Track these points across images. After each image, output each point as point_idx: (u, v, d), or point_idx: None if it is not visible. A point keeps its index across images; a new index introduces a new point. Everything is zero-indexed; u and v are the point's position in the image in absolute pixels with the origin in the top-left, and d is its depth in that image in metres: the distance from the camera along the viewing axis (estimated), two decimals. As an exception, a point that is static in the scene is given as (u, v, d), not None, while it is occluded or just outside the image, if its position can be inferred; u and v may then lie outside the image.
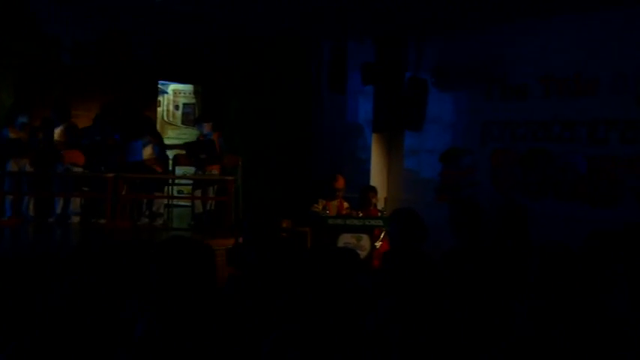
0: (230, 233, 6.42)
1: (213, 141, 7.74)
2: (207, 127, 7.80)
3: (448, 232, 4.02)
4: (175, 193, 8.26)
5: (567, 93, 5.91)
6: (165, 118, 10.03)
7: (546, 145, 6.09)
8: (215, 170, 7.70)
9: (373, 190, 6.85)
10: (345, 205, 6.75)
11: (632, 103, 5.44)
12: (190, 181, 8.14)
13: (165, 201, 7.79)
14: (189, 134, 9.53)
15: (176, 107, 10.32)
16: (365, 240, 6.02)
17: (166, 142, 8.72)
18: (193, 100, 10.24)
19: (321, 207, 6.65)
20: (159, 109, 9.79)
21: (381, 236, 6.59)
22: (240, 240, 3.77)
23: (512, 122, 6.40)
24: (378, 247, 6.49)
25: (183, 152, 8.03)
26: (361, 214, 6.57)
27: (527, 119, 6.23)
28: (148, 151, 7.58)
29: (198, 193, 7.77)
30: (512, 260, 3.46)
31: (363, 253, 5.84)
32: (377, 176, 7.79)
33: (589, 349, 2.40)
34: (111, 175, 7.10)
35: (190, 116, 10.08)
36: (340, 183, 6.72)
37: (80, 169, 7.37)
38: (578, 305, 2.48)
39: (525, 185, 6.26)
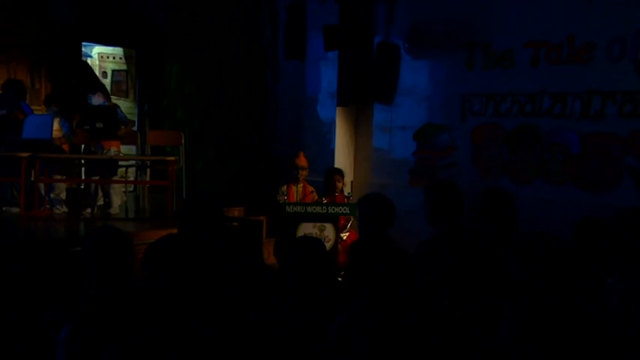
0: (172, 223, 6.31)
1: (116, 107, 7.48)
2: (98, 98, 7.52)
3: (424, 221, 4.03)
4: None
5: (559, 60, 5.95)
6: (90, 88, 9.83)
7: (535, 120, 6.13)
8: (115, 147, 7.46)
9: (339, 172, 6.84)
10: (310, 189, 6.74)
11: (631, 72, 5.49)
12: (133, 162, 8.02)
13: (123, 187, 7.73)
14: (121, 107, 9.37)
15: (104, 74, 10.10)
16: (329, 230, 6.00)
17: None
18: (125, 67, 10.04)
19: (281, 192, 6.62)
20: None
21: (348, 225, 6.60)
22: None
23: (497, 95, 6.41)
24: (344, 238, 6.49)
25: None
26: (325, 200, 6.55)
27: (514, 91, 6.25)
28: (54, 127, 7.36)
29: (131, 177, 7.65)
30: (496, 252, 3.47)
31: (327, 245, 5.81)
32: (342, 157, 7.78)
33: (581, 353, 2.40)
34: (25, 154, 6.89)
35: (122, 86, 9.90)
36: (302, 160, 6.72)
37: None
38: (566, 306, 2.47)
39: (511, 166, 6.30)
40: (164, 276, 2.80)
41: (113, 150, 7.34)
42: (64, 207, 7.46)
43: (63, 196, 7.50)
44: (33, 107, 7.82)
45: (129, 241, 3.01)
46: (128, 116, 8.22)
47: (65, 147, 7.56)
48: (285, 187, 6.74)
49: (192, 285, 2.86)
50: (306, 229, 5.97)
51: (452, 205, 3.95)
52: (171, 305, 2.79)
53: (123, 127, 7.36)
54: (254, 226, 6.93)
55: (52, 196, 7.41)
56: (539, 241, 2.57)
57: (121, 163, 7.67)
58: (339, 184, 6.74)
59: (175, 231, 3.66)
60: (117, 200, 7.48)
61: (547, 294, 2.46)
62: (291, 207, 5.96)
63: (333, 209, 6.00)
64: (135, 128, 8.91)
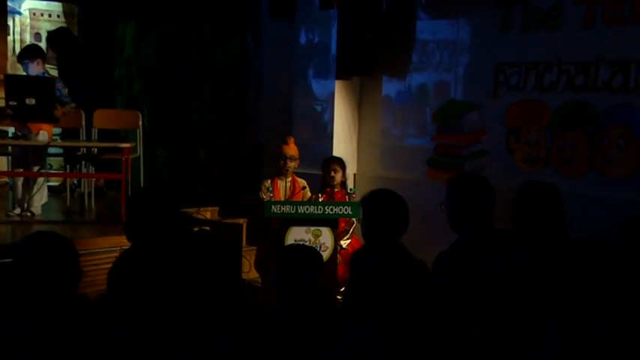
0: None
1: (54, 81, 7.37)
2: (36, 66, 7.43)
3: (445, 224, 4.04)
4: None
5: (620, 20, 5.95)
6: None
7: (588, 96, 6.14)
8: (46, 130, 7.36)
9: (338, 162, 6.83)
10: (301, 184, 6.73)
11: None
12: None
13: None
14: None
15: (36, 36, 10.06)
16: (326, 236, 6.00)
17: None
18: (64, 26, 9.99)
19: (264, 188, 6.61)
20: (9, 39, 9.52)
21: (351, 230, 6.60)
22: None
23: (539, 64, 6.41)
24: (345, 246, 6.49)
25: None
26: (322, 198, 6.54)
27: (562, 59, 6.26)
28: None
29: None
30: (538, 264, 3.48)
31: (323, 255, 5.81)
32: (342, 143, 7.79)
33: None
34: None
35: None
36: (291, 148, 6.70)
37: None
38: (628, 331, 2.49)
39: (557, 155, 6.31)
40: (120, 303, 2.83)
41: (42, 134, 7.30)
42: None
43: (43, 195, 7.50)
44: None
45: (73, 251, 3.03)
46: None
47: None
48: (270, 181, 6.72)
49: (147, 317, 2.88)
50: (297, 234, 5.97)
51: (481, 204, 3.95)
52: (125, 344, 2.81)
53: (59, 106, 7.29)
54: (231, 232, 6.93)
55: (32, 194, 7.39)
56: (596, 250, 2.58)
57: (53, 151, 7.58)
58: (338, 177, 6.72)
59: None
60: (38, 199, 7.46)
61: (607, 313, 2.48)
62: (278, 207, 5.95)
63: (332, 209, 6.00)
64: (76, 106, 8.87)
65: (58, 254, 2.94)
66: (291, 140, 6.73)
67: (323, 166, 6.79)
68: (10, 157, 7.72)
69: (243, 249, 6.97)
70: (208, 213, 7.66)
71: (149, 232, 3.59)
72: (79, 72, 8.80)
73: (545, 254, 3.89)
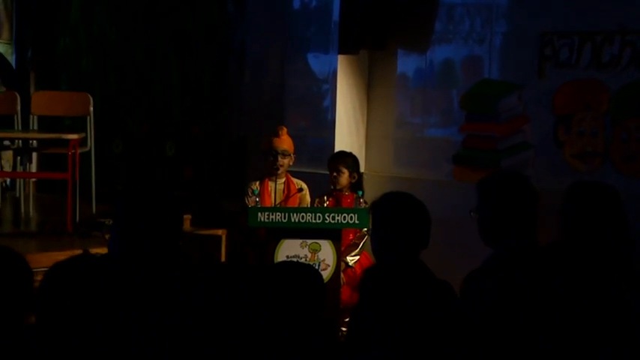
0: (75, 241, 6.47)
1: None
2: None
3: (476, 236, 4.04)
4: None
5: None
6: None
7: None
8: None
9: (342, 161, 6.82)
10: (297, 185, 6.73)
11: None
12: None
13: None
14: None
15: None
16: (327, 251, 6.01)
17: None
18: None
19: (250, 192, 6.61)
20: None
21: (361, 245, 6.59)
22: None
23: (597, 33, 6.43)
24: (351, 264, 6.49)
25: None
26: (327, 204, 6.53)
27: (625, 27, 6.27)
28: None
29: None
30: (597, 285, 3.49)
31: (324, 275, 5.81)
32: (347, 135, 7.81)
33: None
34: None
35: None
36: (283, 140, 6.69)
37: None
38: None
39: (618, 149, 6.32)
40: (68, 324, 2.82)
41: None
42: None
43: None
44: None
45: (26, 269, 3.03)
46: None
47: None
48: (258, 183, 6.72)
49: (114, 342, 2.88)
50: (291, 249, 5.99)
51: (522, 211, 3.96)
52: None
53: None
54: (206, 246, 6.94)
55: None
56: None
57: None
58: (343, 179, 6.71)
59: (80, 252, 3.66)
60: None
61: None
62: (266, 214, 5.97)
63: (334, 218, 6.01)
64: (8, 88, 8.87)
65: (9, 275, 2.95)
66: (284, 131, 6.72)
67: (328, 165, 6.80)
68: None
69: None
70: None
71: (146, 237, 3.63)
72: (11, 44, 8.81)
73: (604, 274, 3.89)
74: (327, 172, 6.81)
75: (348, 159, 6.82)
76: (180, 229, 3.94)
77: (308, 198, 6.76)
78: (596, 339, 2.95)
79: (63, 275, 2.92)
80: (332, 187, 6.70)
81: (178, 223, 3.95)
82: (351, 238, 6.51)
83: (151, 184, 6.98)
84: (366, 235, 6.47)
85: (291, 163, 6.74)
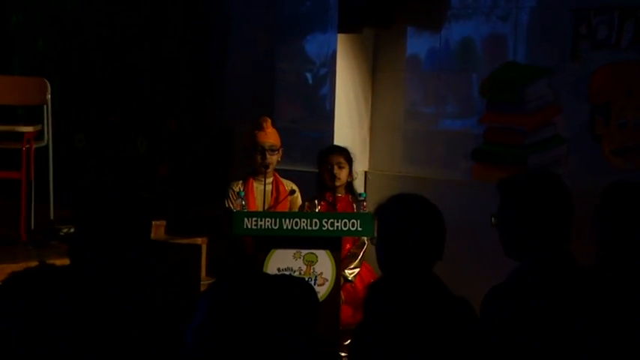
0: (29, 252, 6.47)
1: None
2: None
3: (498, 246, 4.05)
4: None
5: None
6: None
7: None
8: None
9: (342, 154, 6.84)
10: (288, 187, 6.75)
11: None
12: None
13: None
14: None
15: None
16: (324, 262, 6.03)
17: None
18: None
19: (234, 194, 6.63)
20: None
21: (360, 255, 6.61)
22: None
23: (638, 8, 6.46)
24: (351, 278, 6.52)
25: None
26: (319, 208, 6.55)
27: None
28: None
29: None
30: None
31: (320, 291, 5.87)
32: (348, 128, 7.84)
33: None
34: None
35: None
36: (269, 135, 6.71)
37: None
38: None
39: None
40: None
41: None
42: None
43: None
44: None
45: None
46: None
47: None
48: (241, 183, 6.74)
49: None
50: (282, 260, 6.02)
51: (553, 216, 3.96)
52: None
53: None
54: (184, 257, 6.96)
55: None
56: None
57: None
58: (343, 175, 6.73)
59: (35, 264, 3.68)
60: None
61: None
62: (254, 220, 5.99)
63: (332, 224, 6.03)
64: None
65: None
66: (268, 123, 6.73)
67: (319, 159, 6.79)
68: None
69: (202, 282, 6.99)
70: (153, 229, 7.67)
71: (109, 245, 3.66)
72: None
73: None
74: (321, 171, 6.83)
75: (346, 153, 6.82)
76: (148, 239, 3.90)
77: (300, 201, 6.80)
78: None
79: (17, 290, 2.94)
80: (328, 186, 6.68)
81: (146, 232, 3.91)
82: (348, 247, 6.53)
83: (120, 186, 6.96)
84: (365, 243, 6.50)
85: (279, 160, 6.76)
